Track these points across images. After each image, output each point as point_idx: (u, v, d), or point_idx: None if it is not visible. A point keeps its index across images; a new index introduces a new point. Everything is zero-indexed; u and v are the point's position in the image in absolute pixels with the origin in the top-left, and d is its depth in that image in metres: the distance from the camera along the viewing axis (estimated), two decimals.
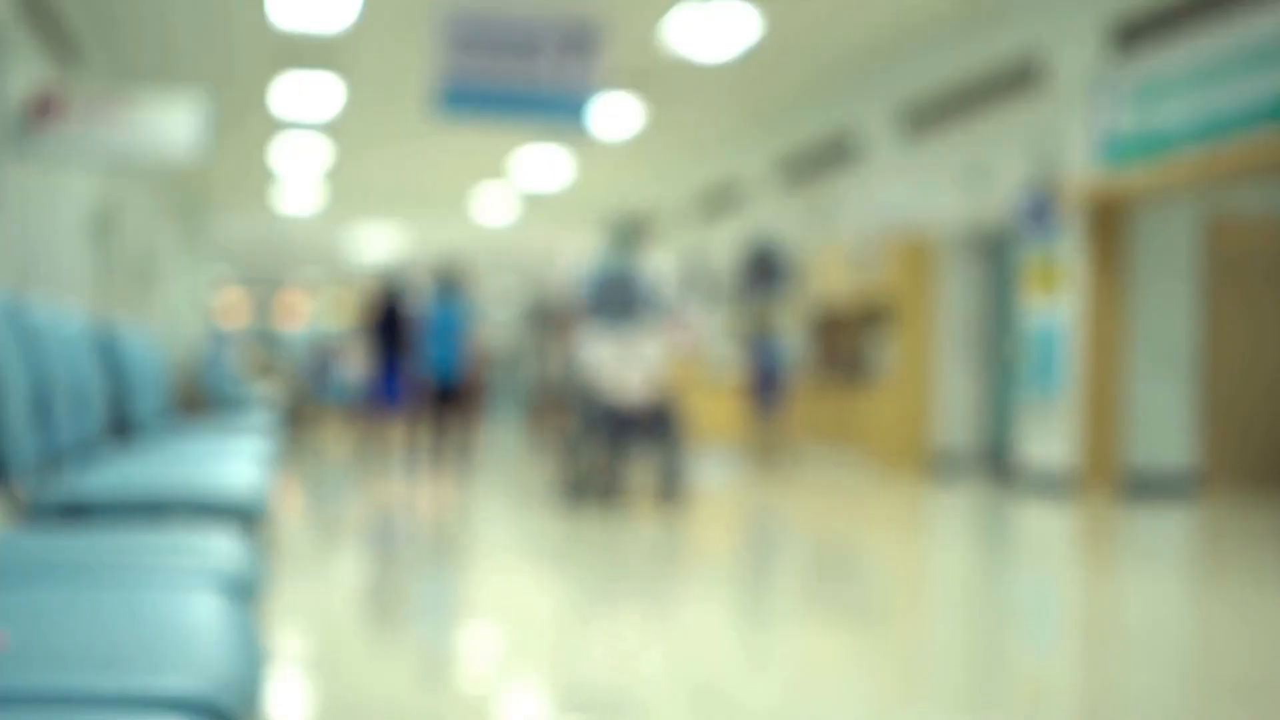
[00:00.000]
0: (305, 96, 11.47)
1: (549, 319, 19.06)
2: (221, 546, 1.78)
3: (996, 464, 10.10)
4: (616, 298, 8.36)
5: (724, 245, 14.51)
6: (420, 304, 10.78)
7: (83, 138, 7.93)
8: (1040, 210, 8.54)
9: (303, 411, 14.90)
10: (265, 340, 22.43)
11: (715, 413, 13.83)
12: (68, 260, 9.20)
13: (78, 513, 2.41)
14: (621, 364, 7.77)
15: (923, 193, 10.37)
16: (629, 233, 8.32)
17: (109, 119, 7.99)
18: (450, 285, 10.34)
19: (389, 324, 10.97)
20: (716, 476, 10.27)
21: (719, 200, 14.89)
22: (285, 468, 9.42)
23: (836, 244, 11.86)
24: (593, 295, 8.37)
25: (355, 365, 17.86)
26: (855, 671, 3.48)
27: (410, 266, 16.10)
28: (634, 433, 7.49)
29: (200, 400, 10.23)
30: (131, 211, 12.48)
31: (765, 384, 11.84)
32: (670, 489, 7.44)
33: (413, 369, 10.47)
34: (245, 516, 2.46)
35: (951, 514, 7.89)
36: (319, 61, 10.62)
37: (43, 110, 7.83)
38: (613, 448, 7.49)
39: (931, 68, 10.04)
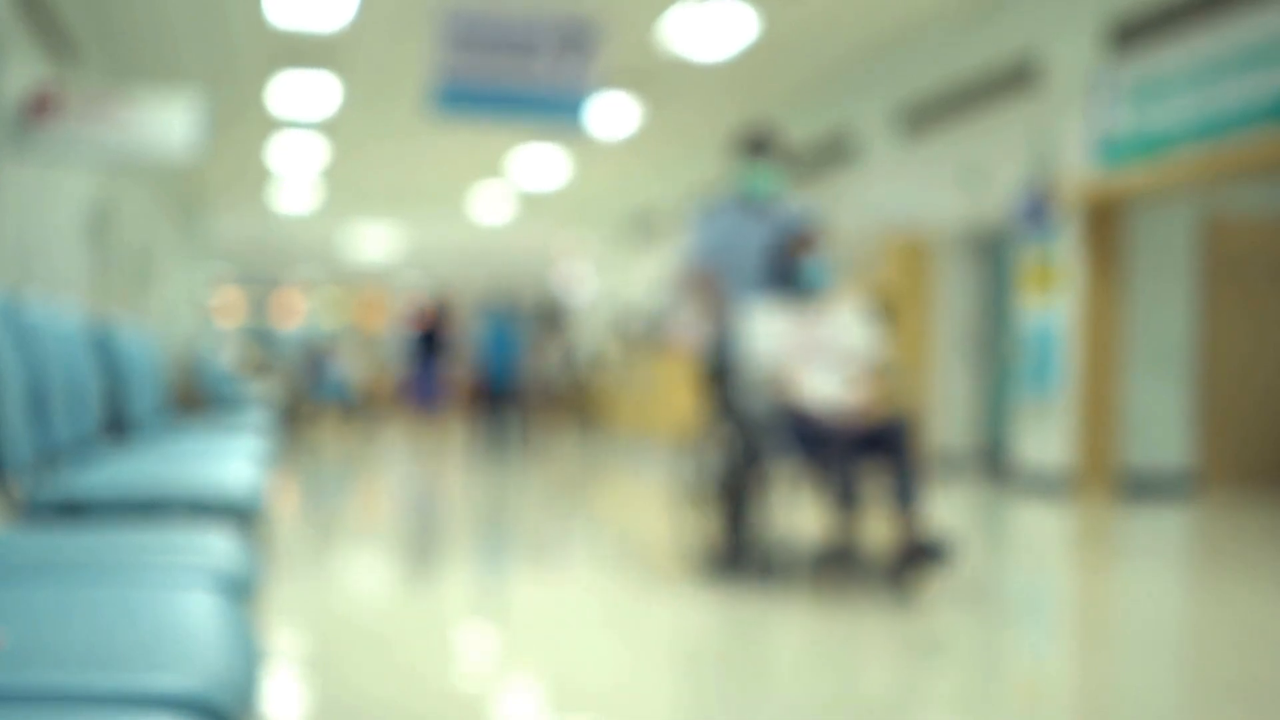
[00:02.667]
0: (302, 95, 11.47)
1: (547, 317, 19.09)
2: (218, 545, 1.78)
3: (993, 463, 10.11)
4: (755, 250, 5.17)
5: None
6: (464, 322, 13.35)
7: (80, 136, 7.92)
8: (1037, 210, 8.54)
9: (300, 410, 14.90)
10: (262, 339, 22.42)
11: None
12: (64, 258, 9.19)
13: (74, 511, 2.41)
14: (807, 359, 4.81)
15: (920, 192, 10.37)
16: (758, 145, 5.27)
17: (106, 117, 7.98)
18: (498, 311, 12.67)
19: (428, 337, 13.04)
20: None
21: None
22: (282, 466, 9.42)
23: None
24: (716, 250, 5.17)
25: (354, 365, 17.89)
26: (854, 672, 3.48)
27: (451, 289, 17.64)
28: (852, 466, 4.51)
29: (197, 398, 10.25)
30: (128, 210, 12.47)
31: None
32: (915, 554, 4.38)
33: (450, 374, 12.90)
34: (242, 515, 2.46)
35: (948, 513, 7.89)
36: (316, 60, 10.61)
37: (40, 108, 7.82)
38: (841, 491, 4.46)
39: (928, 67, 10.04)
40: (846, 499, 4.46)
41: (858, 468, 4.51)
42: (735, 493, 4.86)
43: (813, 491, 4.69)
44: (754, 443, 4.74)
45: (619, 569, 5.11)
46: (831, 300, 5.02)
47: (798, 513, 4.99)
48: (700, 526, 5.17)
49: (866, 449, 4.57)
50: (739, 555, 4.80)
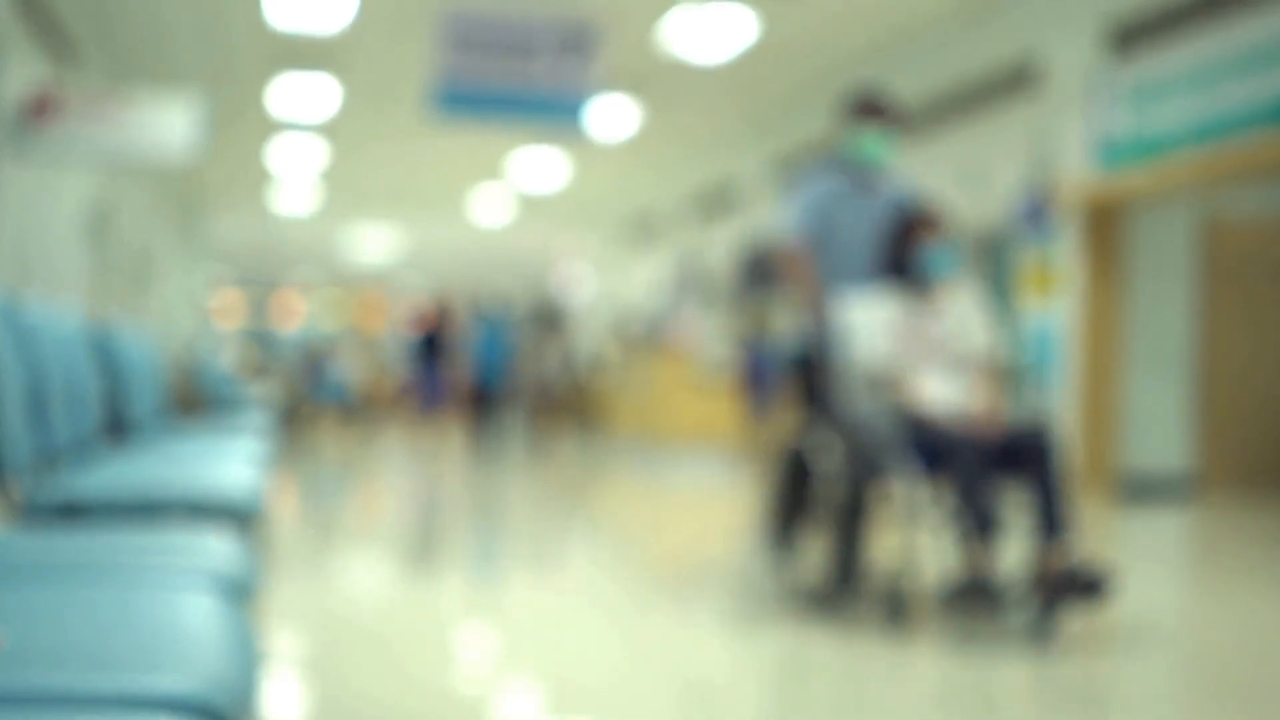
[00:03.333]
0: (302, 97, 11.47)
1: (546, 319, 19.10)
2: (217, 547, 1.78)
3: None
4: (864, 230, 4.45)
5: (720, 247, 14.51)
6: (463, 326, 14.68)
7: (79, 137, 7.93)
8: (1037, 212, 8.55)
9: (299, 412, 14.90)
10: (261, 340, 22.43)
11: (709, 415, 13.83)
12: (64, 259, 9.19)
13: (73, 513, 2.41)
14: (920, 358, 4.14)
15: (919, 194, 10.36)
16: (868, 107, 4.49)
17: (106, 118, 7.98)
18: (491, 314, 13.52)
19: (429, 340, 13.98)
20: (714, 480, 10.28)
21: (715, 202, 14.90)
22: (281, 468, 9.42)
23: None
24: (818, 227, 4.47)
25: (353, 367, 17.92)
26: (857, 677, 3.48)
27: (450, 291, 18.97)
28: (988, 483, 3.80)
29: (196, 400, 10.25)
30: (128, 211, 12.47)
31: (759, 386, 11.85)
32: (1067, 587, 3.66)
33: (452, 376, 14.29)
34: (241, 517, 2.46)
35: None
36: (316, 62, 10.61)
37: (40, 109, 7.82)
38: (976, 512, 3.74)
39: (928, 70, 10.05)
40: (982, 522, 3.71)
41: (994, 485, 3.80)
42: (843, 512, 4.10)
43: (937, 512, 3.93)
44: (864, 454, 4.02)
45: (673, 596, 4.57)
46: (946, 291, 4.25)
47: (918, 537, 3.99)
48: (786, 551, 4.40)
49: (1001, 464, 3.87)
50: (849, 587, 4.06)
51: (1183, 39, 7.42)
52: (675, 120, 12.63)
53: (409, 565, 5.46)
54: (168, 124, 8.08)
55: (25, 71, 7.89)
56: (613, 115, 11.52)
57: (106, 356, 3.76)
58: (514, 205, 18.26)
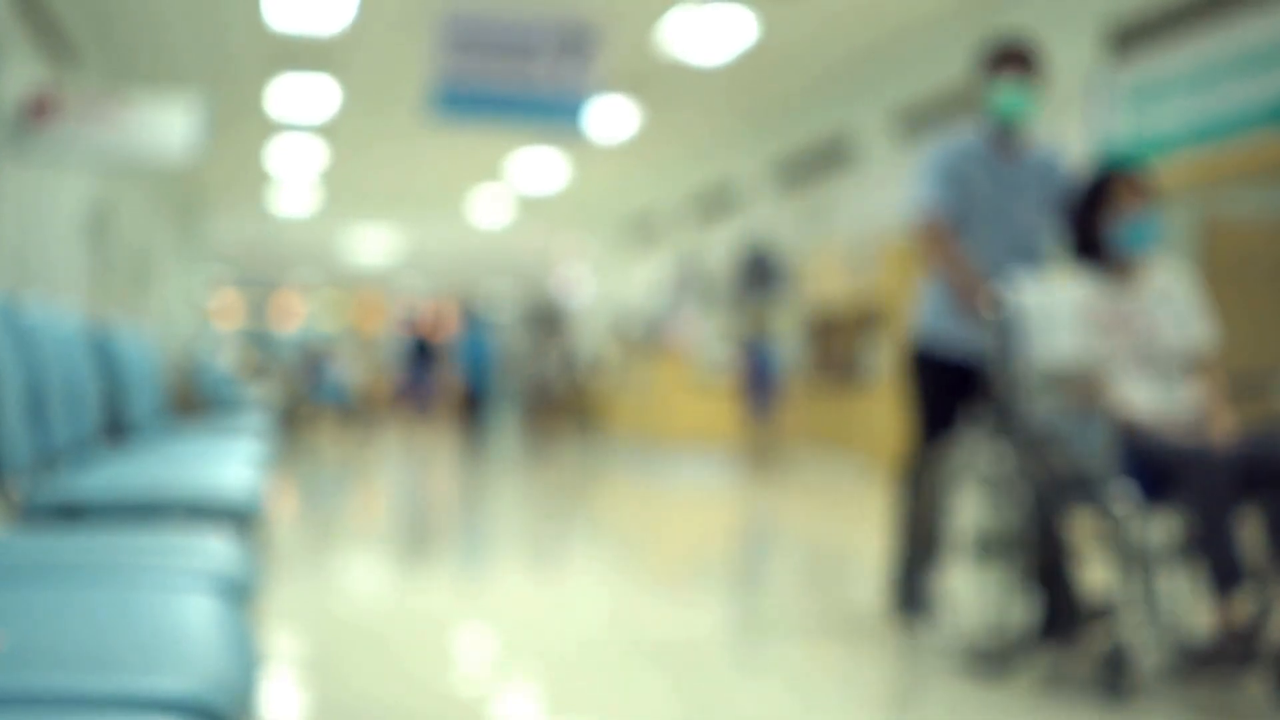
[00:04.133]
0: (301, 98, 11.47)
1: (545, 320, 19.13)
2: (216, 548, 1.78)
3: None
4: (1014, 201, 3.85)
5: (720, 248, 14.52)
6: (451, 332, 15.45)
7: (78, 138, 7.93)
8: None
9: (298, 413, 14.89)
10: (260, 341, 22.42)
11: (709, 415, 13.83)
12: (63, 260, 9.19)
13: (72, 514, 2.40)
14: (1121, 353, 3.33)
15: None
16: (1004, 57, 3.83)
17: (105, 119, 7.98)
18: (477, 319, 14.13)
19: (422, 342, 14.52)
20: (714, 481, 10.28)
21: (715, 203, 14.90)
22: (280, 469, 9.42)
23: (832, 246, 11.87)
24: (961, 202, 3.83)
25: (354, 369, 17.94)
26: (853, 681, 3.48)
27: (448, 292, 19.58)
28: (1234, 513, 3.02)
29: (195, 401, 10.25)
30: (127, 212, 12.47)
31: (759, 387, 11.86)
32: None
33: (443, 378, 15.08)
34: (240, 518, 2.46)
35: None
36: (315, 63, 10.61)
37: (39, 110, 7.82)
38: (1222, 553, 2.99)
39: (927, 70, 10.05)
40: (1232, 564, 2.95)
41: (1240, 516, 3.01)
42: (1033, 545, 3.29)
43: (1163, 550, 3.20)
44: (1060, 474, 3.25)
45: (674, 598, 4.55)
46: (1148, 270, 3.48)
47: (1141, 581, 3.19)
48: (919, 608, 3.72)
49: (1242, 487, 3.03)
50: (1063, 638, 3.34)
51: (1183, 39, 7.42)
52: (675, 121, 12.63)
53: (408, 565, 5.45)
54: (167, 125, 8.08)
55: (25, 72, 7.89)
56: (612, 116, 11.52)
57: (105, 357, 3.76)
58: (513, 206, 18.26)
